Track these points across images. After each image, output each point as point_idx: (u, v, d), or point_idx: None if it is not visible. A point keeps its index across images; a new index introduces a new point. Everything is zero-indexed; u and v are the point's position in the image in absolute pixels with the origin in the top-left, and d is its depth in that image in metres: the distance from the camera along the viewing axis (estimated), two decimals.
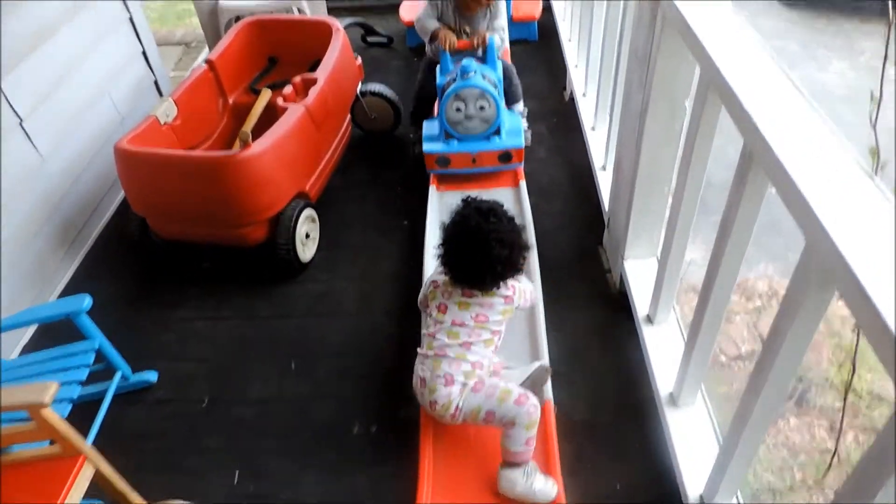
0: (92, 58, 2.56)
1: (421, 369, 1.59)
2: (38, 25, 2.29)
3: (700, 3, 1.42)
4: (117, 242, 2.47)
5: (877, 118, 1.01)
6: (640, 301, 1.92)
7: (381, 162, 2.78)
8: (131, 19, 2.82)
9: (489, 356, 1.59)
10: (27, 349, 2.11)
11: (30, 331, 2.17)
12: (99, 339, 1.78)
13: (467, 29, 2.39)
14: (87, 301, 1.72)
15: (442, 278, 1.65)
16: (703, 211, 1.53)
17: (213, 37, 3.03)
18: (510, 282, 1.62)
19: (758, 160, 1.09)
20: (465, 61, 2.16)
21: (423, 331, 1.67)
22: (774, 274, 3.62)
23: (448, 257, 1.59)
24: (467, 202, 1.63)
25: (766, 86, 1.13)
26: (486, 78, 2.19)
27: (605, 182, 2.38)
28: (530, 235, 2.16)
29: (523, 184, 2.35)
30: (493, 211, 1.59)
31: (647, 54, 1.67)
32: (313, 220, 2.30)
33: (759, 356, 1.08)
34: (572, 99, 3.01)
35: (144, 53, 2.93)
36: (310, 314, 2.16)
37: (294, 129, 2.16)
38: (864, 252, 0.81)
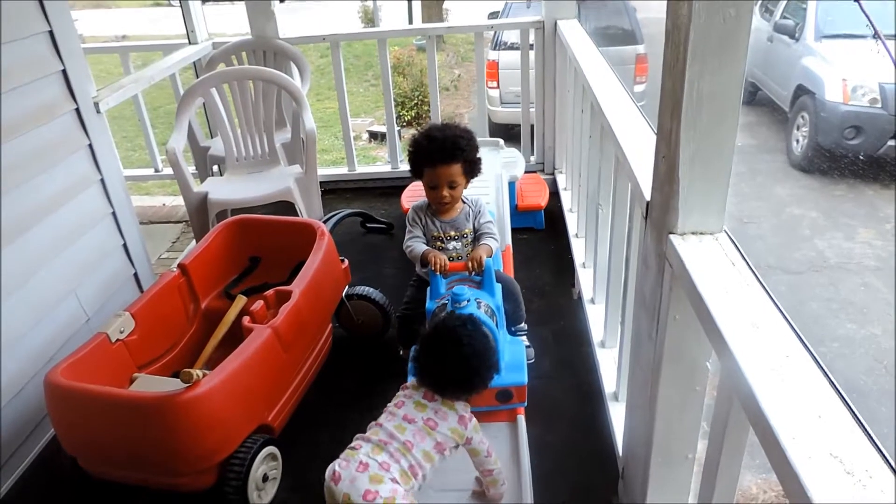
0: (61, 257, 2.38)
1: (353, 458, 1.49)
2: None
3: (715, 273, 1.16)
4: (49, 475, 2.13)
5: None
6: None
7: (366, 374, 2.46)
8: (114, 214, 2.70)
9: (425, 471, 1.53)
10: None
11: None
12: None
13: (453, 234, 2.20)
14: None
15: (411, 381, 1.69)
16: None
17: (200, 230, 2.89)
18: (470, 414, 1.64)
19: None
20: (458, 288, 1.90)
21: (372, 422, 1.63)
22: None
23: (419, 357, 1.64)
24: (438, 318, 1.76)
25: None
26: (483, 306, 1.92)
27: (617, 415, 2.03)
28: (527, 478, 1.82)
29: (522, 419, 2.00)
30: (471, 320, 1.69)
31: (656, 307, 1.40)
32: (275, 458, 1.97)
33: None
34: (581, 298, 2.75)
35: (125, 246, 2.78)
36: None
37: (255, 357, 1.89)
38: None
